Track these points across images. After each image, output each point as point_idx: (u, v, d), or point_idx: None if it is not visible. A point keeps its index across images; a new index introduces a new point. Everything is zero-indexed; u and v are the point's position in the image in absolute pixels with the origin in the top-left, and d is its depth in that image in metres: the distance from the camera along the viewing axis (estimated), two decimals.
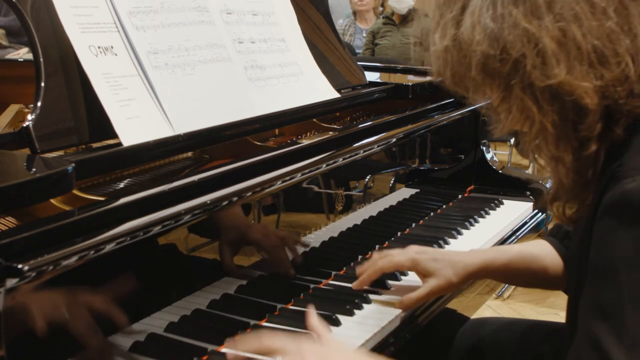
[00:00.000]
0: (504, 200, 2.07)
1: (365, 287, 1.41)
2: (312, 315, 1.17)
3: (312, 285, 1.46)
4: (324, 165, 1.49)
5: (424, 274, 1.39)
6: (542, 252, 1.40)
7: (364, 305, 1.37)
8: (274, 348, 1.04)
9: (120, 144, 1.23)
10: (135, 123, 1.27)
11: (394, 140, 1.75)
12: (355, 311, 1.35)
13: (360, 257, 1.63)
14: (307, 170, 1.43)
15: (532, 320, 1.60)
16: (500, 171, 2.16)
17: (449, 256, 1.40)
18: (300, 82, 1.70)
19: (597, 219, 0.94)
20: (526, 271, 1.40)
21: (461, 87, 1.03)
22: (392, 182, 1.83)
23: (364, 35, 5.85)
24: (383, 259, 1.40)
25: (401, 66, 3.03)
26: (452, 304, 1.53)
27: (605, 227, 0.92)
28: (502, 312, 3.37)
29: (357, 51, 5.74)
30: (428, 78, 2.15)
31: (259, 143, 1.51)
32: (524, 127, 0.99)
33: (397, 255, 1.40)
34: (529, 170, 4.50)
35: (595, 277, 0.93)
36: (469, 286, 1.60)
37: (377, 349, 1.28)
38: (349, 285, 1.44)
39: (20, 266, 0.89)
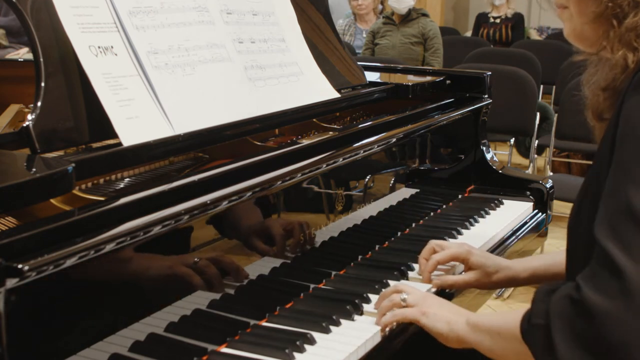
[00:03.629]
0: (504, 200, 2.08)
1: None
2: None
3: (312, 285, 1.46)
4: (324, 165, 1.49)
5: (470, 267, 1.52)
6: None
7: (364, 305, 1.38)
8: (403, 289, 1.33)
9: (120, 144, 1.23)
10: (135, 123, 1.27)
11: (394, 140, 1.75)
12: (356, 311, 1.35)
13: (360, 257, 1.63)
14: (307, 170, 1.43)
15: None
16: (500, 171, 2.16)
17: (498, 260, 1.53)
18: (300, 82, 1.70)
19: (625, 99, 1.03)
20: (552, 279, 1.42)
21: None
22: (392, 182, 1.83)
23: (364, 36, 5.85)
24: (438, 253, 1.53)
25: (401, 66, 3.03)
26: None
27: (634, 102, 1.02)
28: (501, 311, 3.37)
29: (357, 51, 5.74)
30: (428, 78, 2.15)
31: (259, 143, 1.51)
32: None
33: (453, 247, 1.54)
34: (529, 170, 4.50)
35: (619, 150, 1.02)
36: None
37: (377, 349, 1.28)
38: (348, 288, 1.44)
39: (20, 266, 0.89)
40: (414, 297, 1.31)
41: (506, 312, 1.29)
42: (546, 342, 1.04)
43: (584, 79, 1.23)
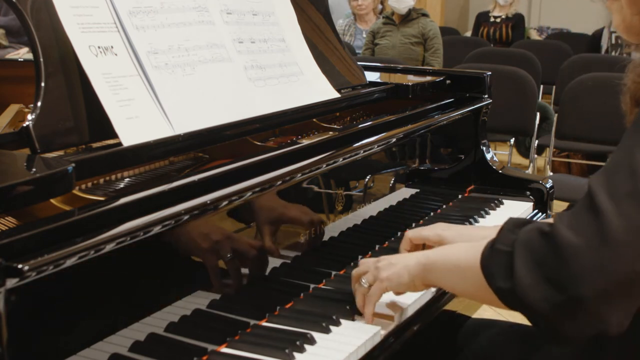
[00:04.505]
0: (504, 200, 2.07)
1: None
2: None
3: (312, 285, 1.46)
4: (324, 165, 1.49)
5: None
6: None
7: None
8: (359, 273, 1.32)
9: (120, 144, 1.23)
10: (135, 123, 1.27)
11: (394, 140, 1.75)
12: (356, 311, 1.35)
13: (360, 257, 1.63)
14: (307, 170, 1.43)
15: None
16: (500, 171, 2.16)
17: (474, 231, 1.49)
18: (300, 82, 1.70)
19: None
20: None
21: None
22: (392, 182, 1.83)
23: (364, 36, 5.86)
24: (413, 232, 1.47)
25: (401, 66, 3.03)
26: (451, 305, 1.53)
27: None
28: (502, 311, 3.37)
29: (357, 51, 5.74)
30: (428, 78, 2.15)
31: (259, 143, 1.52)
32: None
33: (425, 230, 1.47)
34: (529, 170, 4.50)
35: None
36: None
37: (377, 349, 1.28)
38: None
39: (20, 266, 0.90)
40: (370, 274, 1.30)
41: (467, 244, 1.25)
42: (507, 267, 1.04)
43: (629, 68, 1.25)
